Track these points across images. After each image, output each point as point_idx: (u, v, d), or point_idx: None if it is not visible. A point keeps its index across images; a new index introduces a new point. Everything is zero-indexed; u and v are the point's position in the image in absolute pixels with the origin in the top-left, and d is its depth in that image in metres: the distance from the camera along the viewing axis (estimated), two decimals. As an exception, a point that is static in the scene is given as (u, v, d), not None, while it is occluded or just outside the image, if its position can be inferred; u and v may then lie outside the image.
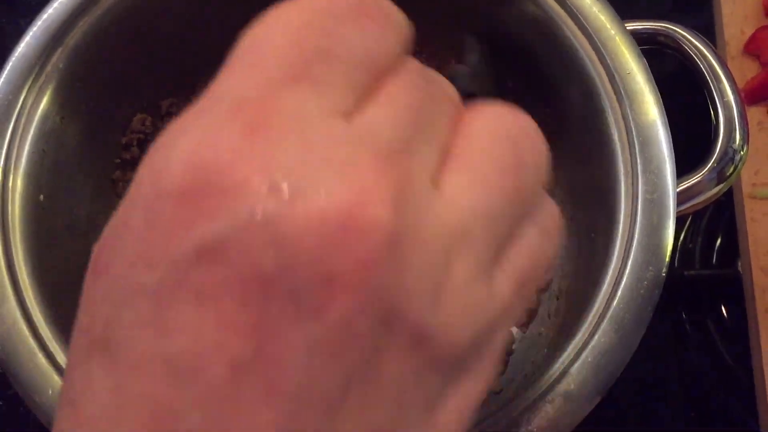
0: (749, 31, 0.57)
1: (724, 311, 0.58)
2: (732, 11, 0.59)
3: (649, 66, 0.40)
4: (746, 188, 0.54)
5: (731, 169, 0.40)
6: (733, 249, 0.56)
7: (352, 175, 0.15)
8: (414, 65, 0.18)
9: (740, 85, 0.57)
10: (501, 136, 0.18)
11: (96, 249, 0.16)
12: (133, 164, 0.50)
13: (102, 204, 0.47)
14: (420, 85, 0.17)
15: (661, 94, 0.40)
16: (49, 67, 0.39)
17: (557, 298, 0.46)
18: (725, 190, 0.41)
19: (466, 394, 0.18)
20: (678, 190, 0.39)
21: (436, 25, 0.50)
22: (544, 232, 0.19)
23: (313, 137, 0.15)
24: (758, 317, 0.51)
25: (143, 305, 0.14)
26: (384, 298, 0.15)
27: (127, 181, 0.49)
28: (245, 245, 0.14)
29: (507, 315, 0.18)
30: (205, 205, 0.14)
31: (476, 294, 0.17)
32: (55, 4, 0.40)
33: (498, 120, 0.18)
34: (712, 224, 0.62)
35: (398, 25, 0.17)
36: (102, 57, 0.42)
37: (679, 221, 0.63)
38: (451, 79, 0.33)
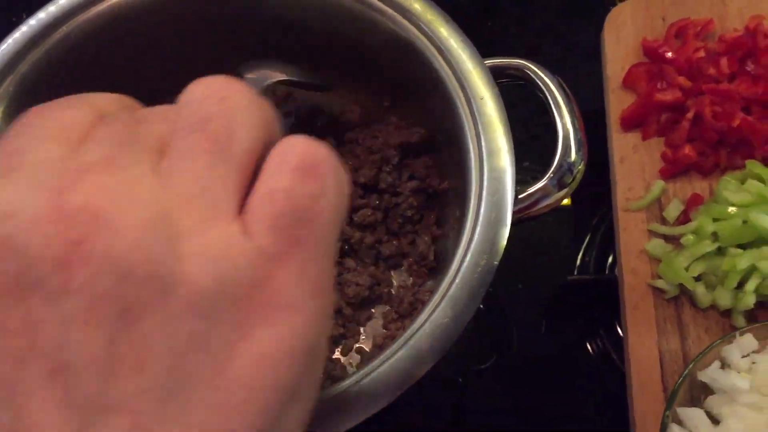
0: (629, 68, 0.66)
1: (617, 326, 0.65)
2: (615, 50, 0.68)
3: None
4: (621, 202, 0.62)
5: (570, 179, 0.48)
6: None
7: (60, 179, 0.18)
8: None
9: (618, 114, 0.65)
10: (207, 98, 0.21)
11: None
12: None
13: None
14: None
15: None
16: (0, 91, 0.48)
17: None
18: (569, 195, 0.49)
19: (261, 342, 0.18)
20: (526, 194, 0.47)
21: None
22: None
23: (42, 170, 0.19)
24: (627, 313, 0.58)
25: None
26: (114, 258, 0.17)
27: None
28: None
29: (272, 263, 0.19)
30: None
31: (220, 236, 0.19)
32: (9, 40, 0.49)
33: (205, 86, 0.21)
34: (606, 241, 0.70)
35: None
36: (49, 86, 0.51)
37: (578, 239, 0.71)
38: None
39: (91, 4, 0.50)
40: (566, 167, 0.48)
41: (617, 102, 0.65)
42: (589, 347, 0.67)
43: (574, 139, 0.48)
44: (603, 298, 0.64)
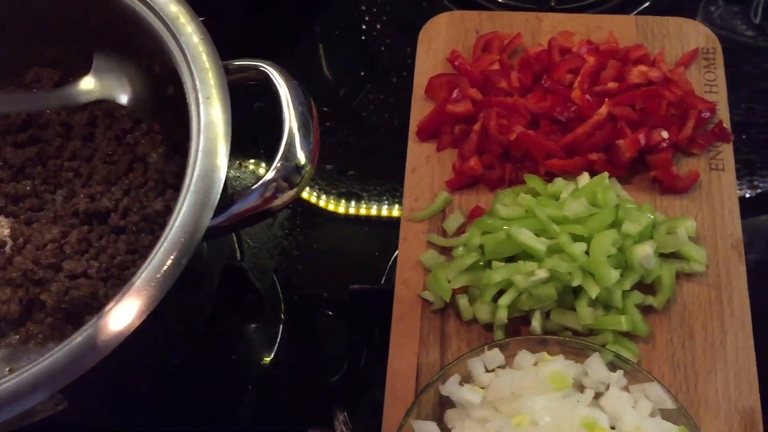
0: (430, 78, 0.65)
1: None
2: (425, 60, 0.67)
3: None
4: (406, 212, 0.61)
5: (299, 179, 0.48)
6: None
7: None
8: None
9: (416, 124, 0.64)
10: None
11: None
12: None
13: None
14: None
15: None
16: None
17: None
18: (301, 192, 0.49)
19: None
20: (252, 188, 0.47)
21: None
22: None
23: None
24: (393, 324, 0.57)
25: None
26: None
27: None
28: None
29: None
30: None
31: None
32: None
33: None
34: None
35: None
36: None
37: (390, 252, 0.69)
38: None
39: None
40: (292, 168, 0.48)
41: (418, 112, 0.65)
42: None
43: (301, 142, 0.48)
44: (383, 309, 0.63)
